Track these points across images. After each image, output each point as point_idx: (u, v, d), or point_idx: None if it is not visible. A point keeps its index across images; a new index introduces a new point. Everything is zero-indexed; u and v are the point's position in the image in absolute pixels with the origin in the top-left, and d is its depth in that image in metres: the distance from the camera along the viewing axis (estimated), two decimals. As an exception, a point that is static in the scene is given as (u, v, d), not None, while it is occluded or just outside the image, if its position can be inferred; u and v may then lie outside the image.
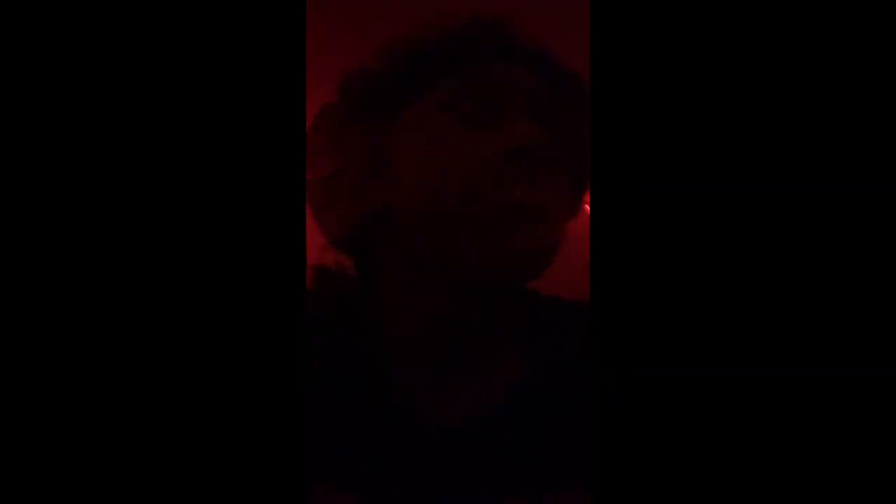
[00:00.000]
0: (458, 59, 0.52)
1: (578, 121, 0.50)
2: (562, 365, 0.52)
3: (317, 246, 0.56)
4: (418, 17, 0.54)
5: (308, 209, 0.54)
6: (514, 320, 0.53)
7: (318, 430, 0.47)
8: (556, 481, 0.48)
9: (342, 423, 0.51)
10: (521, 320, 0.54)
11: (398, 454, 0.49)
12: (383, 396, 0.51)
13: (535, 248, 0.48)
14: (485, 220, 0.46)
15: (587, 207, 0.46)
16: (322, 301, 0.56)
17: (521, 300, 0.54)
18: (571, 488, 0.48)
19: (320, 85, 0.56)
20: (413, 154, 0.50)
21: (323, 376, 0.52)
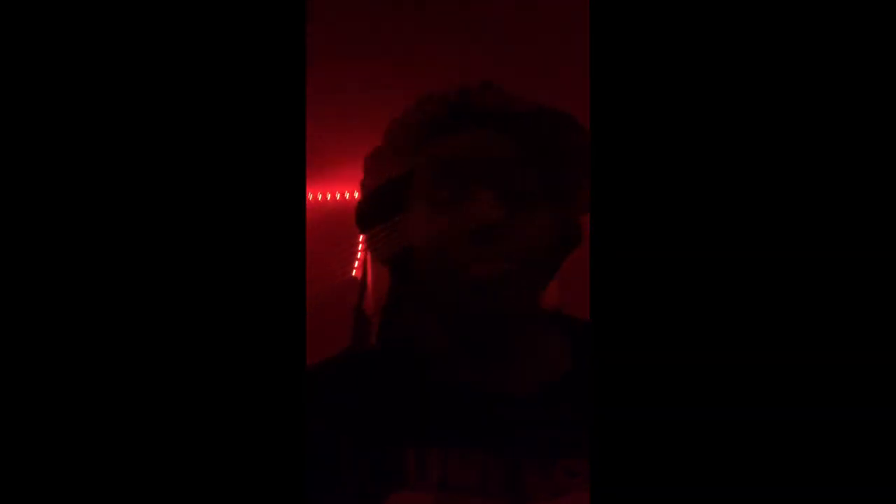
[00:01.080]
0: (444, 126, 0.60)
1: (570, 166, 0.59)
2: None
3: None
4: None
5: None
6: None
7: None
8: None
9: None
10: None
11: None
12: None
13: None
14: (470, 288, 0.55)
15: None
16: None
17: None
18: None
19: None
20: (419, 227, 0.59)
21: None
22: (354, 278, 2.25)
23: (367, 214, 0.64)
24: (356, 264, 2.30)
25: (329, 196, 2.39)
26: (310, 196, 2.33)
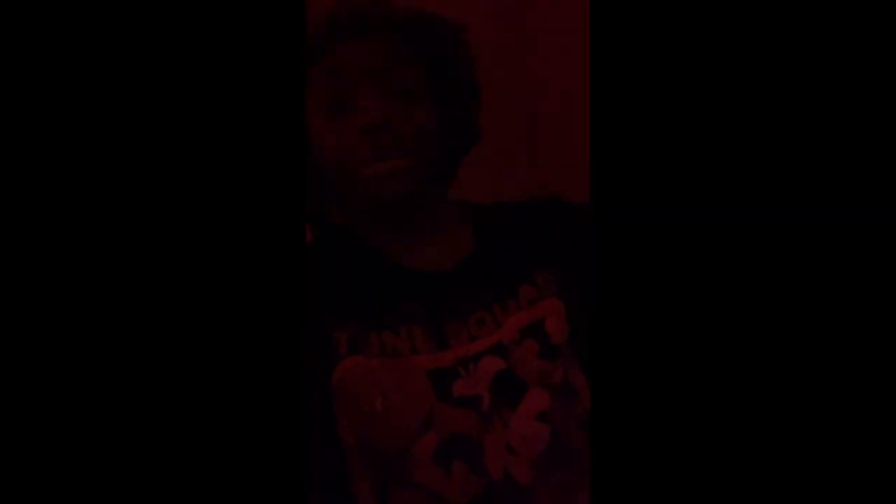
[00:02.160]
0: (332, 44, 0.64)
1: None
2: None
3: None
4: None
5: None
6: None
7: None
8: None
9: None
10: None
11: None
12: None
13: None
14: (368, 184, 0.62)
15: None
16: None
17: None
18: None
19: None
20: (317, 135, 0.64)
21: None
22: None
23: None
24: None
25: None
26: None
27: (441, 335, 0.63)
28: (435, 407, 0.60)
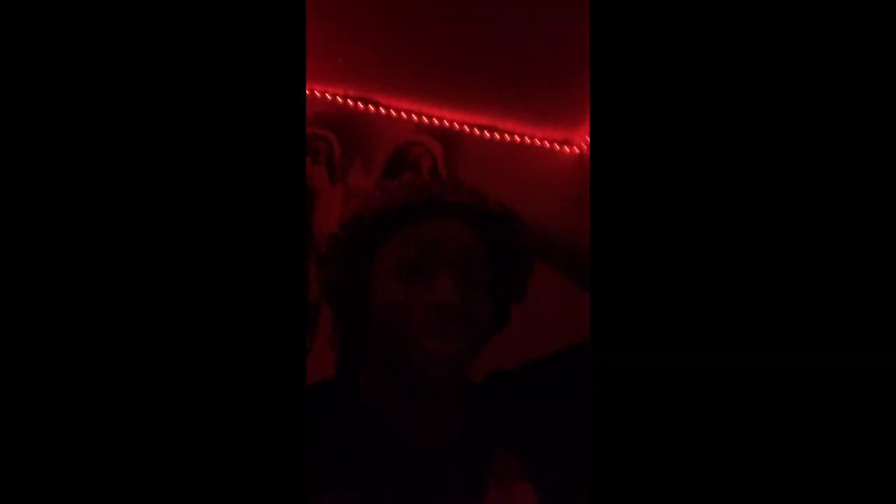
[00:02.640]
0: (409, 220, 0.68)
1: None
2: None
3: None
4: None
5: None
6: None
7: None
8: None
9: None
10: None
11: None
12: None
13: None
14: (421, 360, 0.64)
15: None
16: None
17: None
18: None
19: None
20: (379, 303, 0.68)
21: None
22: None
23: (332, 259, 0.71)
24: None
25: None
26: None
27: None
28: None
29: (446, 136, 2.13)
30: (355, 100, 2.10)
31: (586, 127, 2.10)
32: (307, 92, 2.08)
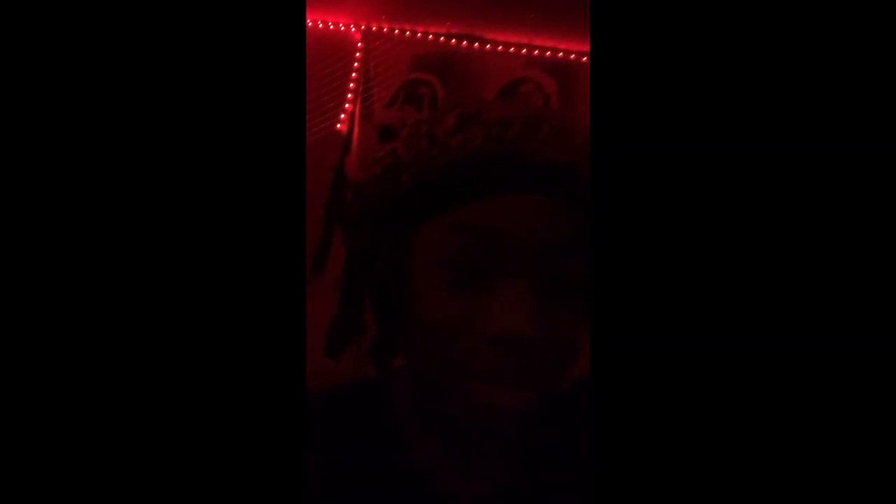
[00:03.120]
0: (467, 189, 0.45)
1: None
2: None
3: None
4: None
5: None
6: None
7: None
8: None
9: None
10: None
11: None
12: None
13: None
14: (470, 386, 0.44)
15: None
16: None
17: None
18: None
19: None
20: (416, 291, 0.47)
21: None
22: (339, 132, 1.95)
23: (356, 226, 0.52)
24: (342, 116, 1.99)
25: (330, 25, 2.03)
26: (309, 23, 1.98)
27: None
28: None
29: (561, 70, 1.93)
30: (459, 38, 1.94)
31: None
32: (407, 33, 1.95)
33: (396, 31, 1.96)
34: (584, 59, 1.95)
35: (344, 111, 1.96)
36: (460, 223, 0.44)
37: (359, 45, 1.99)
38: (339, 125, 1.94)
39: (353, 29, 2.00)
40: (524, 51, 1.94)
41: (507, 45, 1.93)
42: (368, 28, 1.99)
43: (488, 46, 1.94)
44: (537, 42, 1.94)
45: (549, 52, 1.96)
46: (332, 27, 1.99)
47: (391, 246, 0.49)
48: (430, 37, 1.95)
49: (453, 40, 1.94)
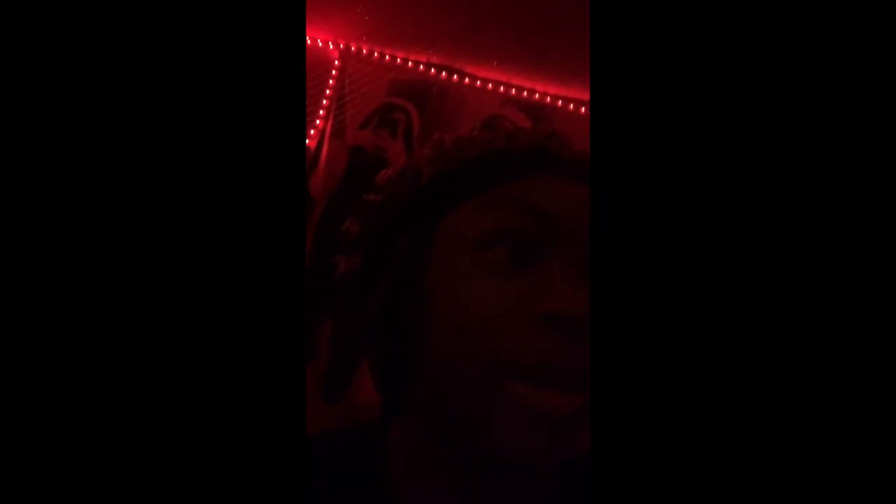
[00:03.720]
0: (502, 170, 0.43)
1: None
2: None
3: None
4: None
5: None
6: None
7: None
8: None
9: None
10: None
11: None
12: None
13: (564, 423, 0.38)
14: (510, 388, 0.38)
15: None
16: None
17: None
18: None
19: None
20: (443, 286, 0.41)
21: None
22: (307, 147, 1.90)
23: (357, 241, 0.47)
24: (312, 132, 1.95)
25: (308, 41, 1.99)
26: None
27: None
28: None
29: (534, 110, 1.95)
30: (439, 68, 1.94)
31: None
32: (386, 57, 1.94)
33: (376, 54, 1.95)
34: (559, 102, 1.99)
35: (315, 127, 1.92)
36: (494, 200, 0.41)
37: (336, 63, 1.96)
38: (307, 141, 1.90)
39: (332, 47, 1.97)
40: (502, 88, 1.95)
41: (485, 80, 1.94)
42: (347, 47, 1.96)
43: (467, 80, 1.94)
44: (515, 81, 1.96)
45: (525, 93, 1.98)
46: (309, 42, 1.96)
47: (410, 243, 0.44)
48: (410, 63, 1.94)
49: (433, 70, 1.93)
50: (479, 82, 1.95)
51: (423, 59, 1.94)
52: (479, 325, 0.38)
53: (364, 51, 1.95)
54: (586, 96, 1.96)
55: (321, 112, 1.93)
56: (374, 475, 0.47)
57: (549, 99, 1.98)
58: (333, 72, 1.95)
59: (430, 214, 0.44)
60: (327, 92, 1.94)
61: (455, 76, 1.94)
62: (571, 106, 2.00)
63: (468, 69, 1.94)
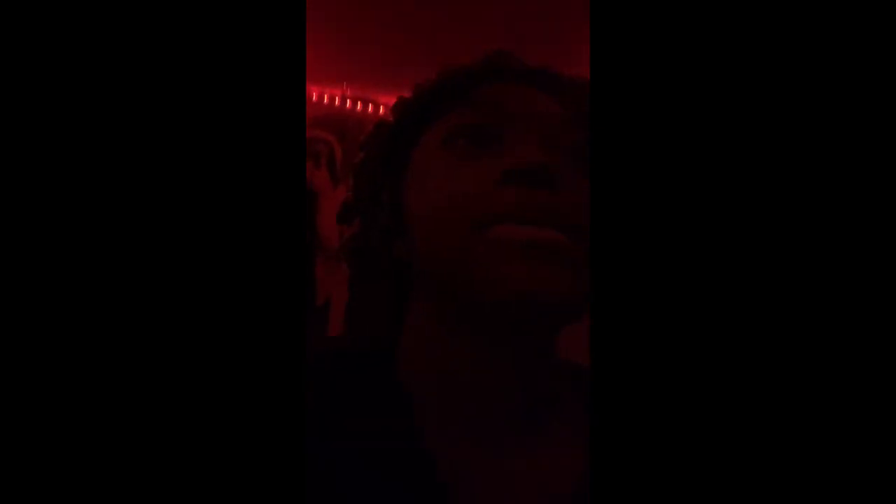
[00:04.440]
0: (462, 90, 0.46)
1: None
2: None
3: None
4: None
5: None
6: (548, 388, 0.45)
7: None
8: None
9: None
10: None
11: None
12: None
13: (554, 287, 0.38)
14: (490, 259, 0.38)
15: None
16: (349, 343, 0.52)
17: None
18: None
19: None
20: (419, 200, 0.43)
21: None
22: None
23: (354, 203, 0.50)
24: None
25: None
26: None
27: None
28: None
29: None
30: (355, 100, 2.07)
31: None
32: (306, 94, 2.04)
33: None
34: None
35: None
36: (455, 109, 0.45)
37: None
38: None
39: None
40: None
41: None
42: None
43: (382, 109, 2.08)
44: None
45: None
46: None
47: (392, 178, 0.48)
48: (326, 99, 2.05)
49: (349, 102, 2.06)
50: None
51: (339, 93, 2.06)
52: (449, 197, 0.41)
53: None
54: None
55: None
56: (388, 381, 0.46)
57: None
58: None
59: (405, 147, 0.47)
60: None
61: (370, 106, 2.08)
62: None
63: (382, 100, 2.08)
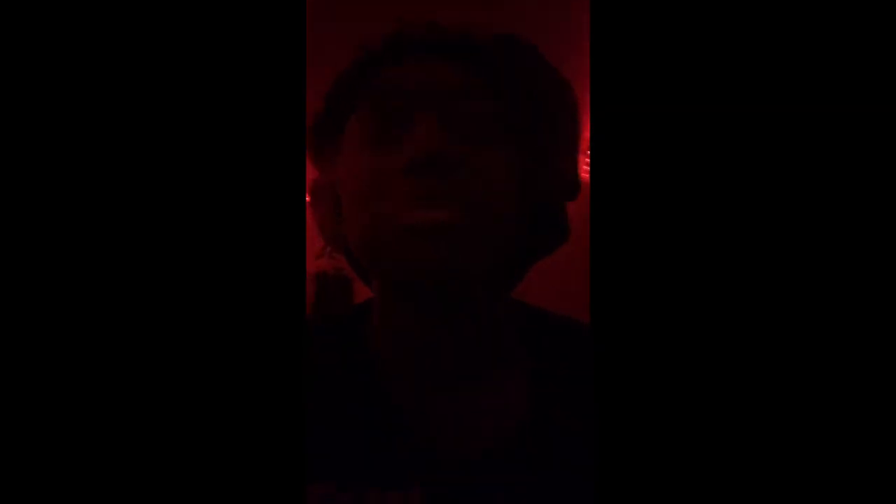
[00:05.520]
0: (372, 73, 0.49)
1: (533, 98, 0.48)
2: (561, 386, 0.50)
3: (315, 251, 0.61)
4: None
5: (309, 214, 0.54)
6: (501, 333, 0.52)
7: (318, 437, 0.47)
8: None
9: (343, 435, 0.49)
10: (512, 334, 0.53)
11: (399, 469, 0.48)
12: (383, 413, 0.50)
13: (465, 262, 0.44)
14: (399, 244, 0.43)
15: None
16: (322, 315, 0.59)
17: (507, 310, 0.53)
18: None
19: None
20: (344, 189, 0.49)
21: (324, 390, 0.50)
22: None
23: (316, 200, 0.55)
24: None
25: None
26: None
27: None
28: None
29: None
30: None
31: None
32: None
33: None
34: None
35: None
36: (368, 94, 0.47)
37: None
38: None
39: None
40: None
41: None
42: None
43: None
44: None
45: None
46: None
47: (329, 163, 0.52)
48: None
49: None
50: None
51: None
52: (360, 188, 0.45)
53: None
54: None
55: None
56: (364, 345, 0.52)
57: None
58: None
59: (334, 134, 0.50)
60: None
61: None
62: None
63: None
